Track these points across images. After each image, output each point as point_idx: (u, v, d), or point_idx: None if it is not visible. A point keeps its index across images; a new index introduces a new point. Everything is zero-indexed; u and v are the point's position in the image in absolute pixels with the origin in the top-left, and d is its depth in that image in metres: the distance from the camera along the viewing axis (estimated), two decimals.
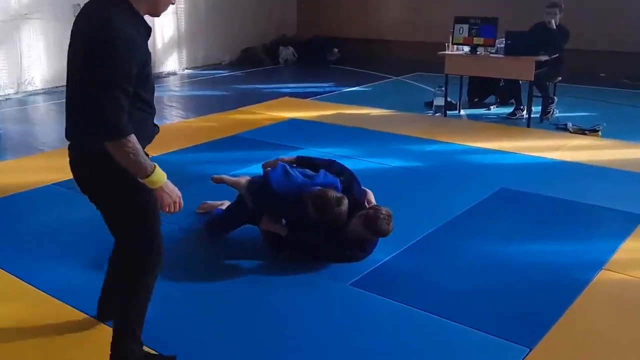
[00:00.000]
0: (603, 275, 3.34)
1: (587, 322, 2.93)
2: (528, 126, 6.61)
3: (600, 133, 6.20)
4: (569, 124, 6.48)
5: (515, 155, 5.53)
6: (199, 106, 7.91)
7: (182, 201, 2.29)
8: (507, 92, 7.36)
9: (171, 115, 7.63)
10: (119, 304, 2.43)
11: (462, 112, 7.38)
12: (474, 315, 2.95)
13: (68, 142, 2.33)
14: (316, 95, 8.50)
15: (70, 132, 2.26)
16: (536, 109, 6.82)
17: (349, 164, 3.89)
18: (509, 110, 7.19)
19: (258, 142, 5.89)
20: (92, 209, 2.39)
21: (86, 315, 2.89)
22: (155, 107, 2.33)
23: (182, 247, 3.68)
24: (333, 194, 3.35)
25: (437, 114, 7.23)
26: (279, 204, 3.43)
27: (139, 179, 2.17)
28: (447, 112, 7.17)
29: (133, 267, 2.37)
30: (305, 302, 3.09)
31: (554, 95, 7.08)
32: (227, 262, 3.49)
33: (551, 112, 6.89)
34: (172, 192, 2.25)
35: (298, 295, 3.14)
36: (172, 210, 2.27)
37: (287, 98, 8.20)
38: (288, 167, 3.58)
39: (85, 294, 2.97)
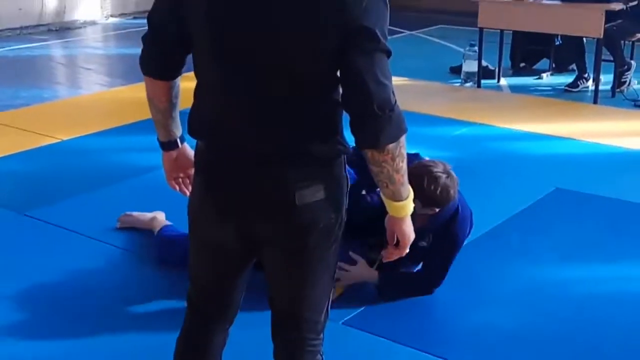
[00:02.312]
0: None
1: None
2: (595, 102, 6.65)
3: None
4: None
5: (577, 142, 5.56)
6: (129, 70, 7.83)
7: None
8: (566, 54, 7.40)
9: (88, 83, 7.56)
10: None
11: (503, 81, 7.43)
12: None
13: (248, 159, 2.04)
14: None
15: (291, 143, 1.97)
16: (606, 79, 6.86)
17: None
18: (569, 79, 7.24)
19: None
20: None
21: None
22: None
23: (126, 275, 3.68)
24: None
25: (467, 84, 7.27)
26: None
27: (397, 201, 2.00)
28: (482, 81, 7.21)
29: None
30: None
31: (632, 59, 7.14)
32: (171, 292, 3.49)
33: (627, 83, 6.94)
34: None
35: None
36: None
37: None
38: None
39: None
